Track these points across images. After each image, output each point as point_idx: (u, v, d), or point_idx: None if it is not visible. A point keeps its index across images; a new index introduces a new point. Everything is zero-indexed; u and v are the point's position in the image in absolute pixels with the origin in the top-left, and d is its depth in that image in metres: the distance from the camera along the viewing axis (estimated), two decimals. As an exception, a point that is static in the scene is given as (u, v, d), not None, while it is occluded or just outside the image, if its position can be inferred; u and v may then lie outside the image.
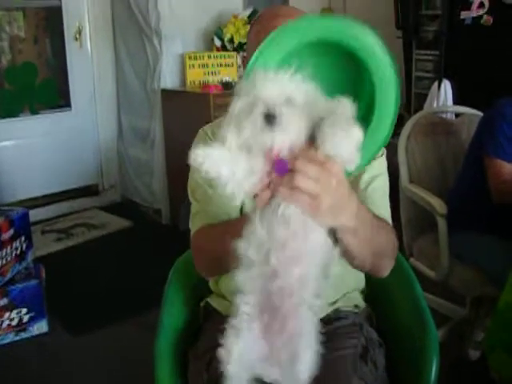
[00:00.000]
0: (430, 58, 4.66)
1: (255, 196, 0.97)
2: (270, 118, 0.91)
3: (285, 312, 1.02)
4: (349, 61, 1.09)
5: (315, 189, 0.93)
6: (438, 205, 2.30)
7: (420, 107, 4.15)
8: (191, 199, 1.46)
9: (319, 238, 1.00)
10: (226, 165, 0.94)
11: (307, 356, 1.01)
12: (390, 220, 1.41)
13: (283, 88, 0.93)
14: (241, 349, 1.03)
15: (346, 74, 1.11)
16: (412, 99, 4.83)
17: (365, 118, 1.06)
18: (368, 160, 1.14)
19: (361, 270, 1.37)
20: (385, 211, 1.40)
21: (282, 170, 0.94)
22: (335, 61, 1.10)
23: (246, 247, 1.00)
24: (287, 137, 0.93)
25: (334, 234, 1.04)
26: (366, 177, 1.39)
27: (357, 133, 0.93)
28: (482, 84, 4.01)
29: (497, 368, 1.97)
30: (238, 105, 0.95)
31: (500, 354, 1.93)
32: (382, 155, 1.45)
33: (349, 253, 1.13)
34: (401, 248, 2.17)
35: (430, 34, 4.70)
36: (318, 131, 0.93)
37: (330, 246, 1.02)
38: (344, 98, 0.95)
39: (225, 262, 1.29)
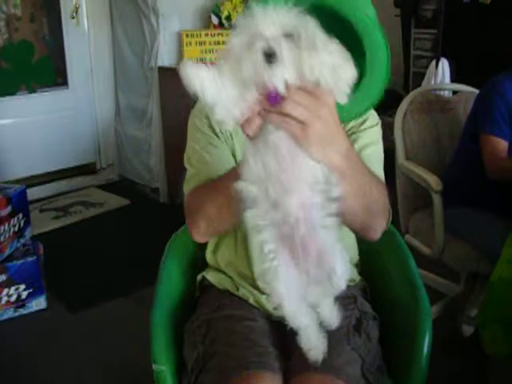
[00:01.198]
0: (429, 36, 4.64)
1: (244, 125, 0.98)
2: (270, 55, 0.92)
3: (301, 239, 1.04)
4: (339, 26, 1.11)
5: (305, 115, 0.95)
6: (433, 181, 2.31)
7: (418, 86, 4.12)
8: (187, 165, 1.46)
9: (312, 166, 1.01)
10: (213, 84, 0.94)
11: (339, 267, 1.05)
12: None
13: (282, 23, 0.94)
14: (285, 286, 1.07)
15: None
16: (410, 78, 4.82)
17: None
18: (364, 109, 1.20)
19: (352, 230, 1.36)
20: (379, 176, 1.38)
21: (275, 100, 0.95)
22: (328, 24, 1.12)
23: (246, 185, 1.02)
24: (286, 72, 0.93)
25: None
26: (360, 143, 1.39)
27: (348, 66, 0.96)
28: (479, 62, 4.01)
29: (490, 343, 1.98)
30: (236, 40, 0.96)
31: (493, 329, 1.94)
32: (376, 124, 1.45)
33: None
34: (397, 225, 2.20)
35: (428, 13, 4.68)
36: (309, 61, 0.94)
37: (326, 172, 1.02)
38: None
39: (217, 219, 1.30)
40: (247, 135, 1.00)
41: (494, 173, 2.26)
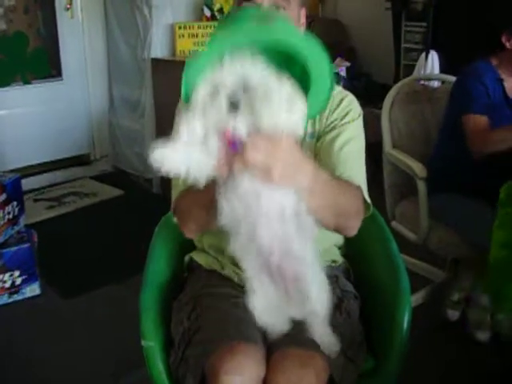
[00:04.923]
0: (419, 29, 4.68)
1: (215, 172, 1.06)
2: (233, 104, 1.00)
3: (276, 265, 1.14)
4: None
5: (265, 161, 1.02)
6: (417, 168, 2.36)
7: (408, 78, 4.18)
8: None
9: (278, 200, 1.10)
10: (182, 161, 1.03)
11: (314, 294, 1.16)
12: (362, 182, 1.42)
13: (242, 74, 1.01)
14: (263, 301, 1.17)
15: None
16: (401, 70, 4.86)
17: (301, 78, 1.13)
18: (314, 114, 1.31)
19: (327, 229, 1.42)
20: (357, 173, 1.42)
21: (235, 147, 1.02)
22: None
23: (223, 222, 1.12)
24: (246, 120, 1.01)
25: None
26: (341, 139, 1.43)
27: (298, 106, 1.04)
28: (469, 54, 4.03)
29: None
30: (202, 89, 1.03)
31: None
32: (358, 117, 1.49)
33: (310, 211, 1.17)
34: (383, 211, 2.24)
35: (418, 6, 4.72)
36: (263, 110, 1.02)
37: (293, 202, 1.12)
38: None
39: (205, 220, 1.34)
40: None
41: (480, 148, 2.26)
